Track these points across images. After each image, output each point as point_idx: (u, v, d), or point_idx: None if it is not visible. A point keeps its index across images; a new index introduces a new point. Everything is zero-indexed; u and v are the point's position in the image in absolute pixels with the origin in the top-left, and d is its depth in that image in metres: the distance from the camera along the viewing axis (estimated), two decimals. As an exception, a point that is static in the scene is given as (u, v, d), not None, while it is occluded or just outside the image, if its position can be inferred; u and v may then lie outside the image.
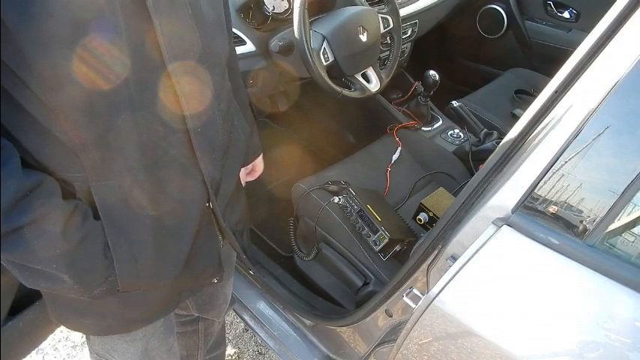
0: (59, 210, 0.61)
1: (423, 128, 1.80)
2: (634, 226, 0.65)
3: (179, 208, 0.73)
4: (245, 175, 1.10)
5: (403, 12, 1.69)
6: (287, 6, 1.34)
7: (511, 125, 0.77)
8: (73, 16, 0.52)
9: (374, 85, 1.44)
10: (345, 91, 1.33)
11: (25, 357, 1.15)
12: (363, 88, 1.40)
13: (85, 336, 0.96)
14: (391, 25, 1.48)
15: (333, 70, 1.33)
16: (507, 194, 0.74)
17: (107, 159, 0.63)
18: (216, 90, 0.73)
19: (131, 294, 0.75)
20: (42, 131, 0.59)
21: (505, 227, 0.73)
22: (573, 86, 0.70)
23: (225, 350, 1.55)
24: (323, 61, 1.27)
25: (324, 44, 1.27)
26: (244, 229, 0.98)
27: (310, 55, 1.21)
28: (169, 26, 0.61)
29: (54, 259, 0.62)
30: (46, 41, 0.52)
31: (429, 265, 0.87)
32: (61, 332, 1.73)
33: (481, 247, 0.74)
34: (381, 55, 1.59)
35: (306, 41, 1.20)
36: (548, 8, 2.15)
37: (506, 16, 2.22)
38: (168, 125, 0.66)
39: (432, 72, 1.70)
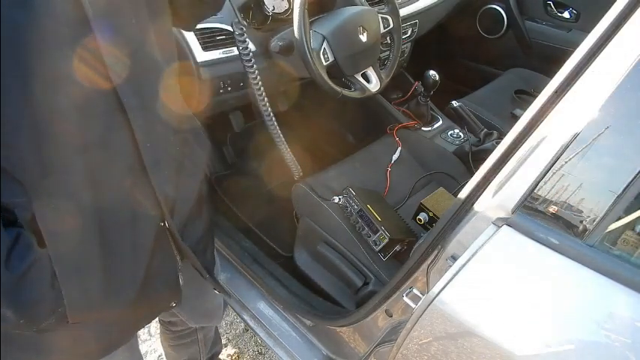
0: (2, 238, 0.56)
1: (423, 128, 1.80)
2: (634, 226, 0.65)
3: (130, 229, 0.69)
4: None
5: (403, 12, 1.69)
6: (287, 6, 1.34)
7: (511, 125, 0.77)
8: (72, 17, 0.53)
9: (374, 85, 1.44)
10: (345, 91, 1.33)
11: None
12: (363, 88, 1.40)
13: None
14: (391, 25, 1.48)
15: (333, 70, 1.33)
16: (507, 194, 0.74)
17: (60, 176, 0.59)
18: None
19: (83, 326, 0.70)
20: None
21: (505, 227, 0.73)
22: (573, 86, 0.70)
23: (221, 346, 1.56)
24: (323, 61, 1.27)
25: (324, 44, 1.27)
26: (207, 246, 0.93)
27: (310, 55, 1.21)
28: (164, 27, 0.61)
29: None
30: (46, 41, 0.52)
31: (429, 265, 0.87)
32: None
33: (481, 247, 0.74)
34: (381, 55, 1.59)
35: (306, 41, 1.20)
36: (548, 8, 2.14)
37: (506, 16, 2.22)
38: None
39: (432, 72, 1.70)
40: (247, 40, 0.83)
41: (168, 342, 1.38)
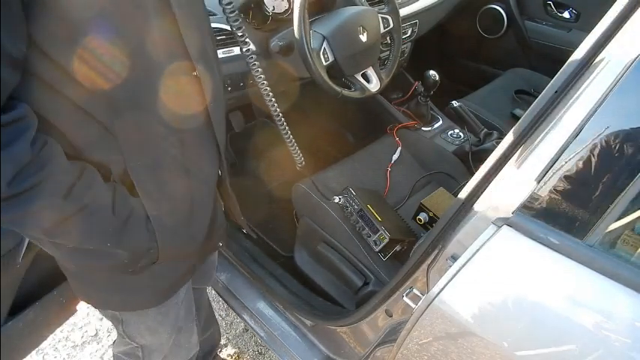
0: (105, 191, 0.67)
1: (423, 128, 1.80)
2: (634, 226, 0.65)
3: (205, 176, 0.81)
4: None
5: (403, 12, 1.70)
6: (287, 6, 1.34)
7: (511, 125, 0.77)
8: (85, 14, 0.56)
9: (374, 85, 1.44)
10: (345, 91, 1.33)
11: (25, 357, 1.15)
12: (363, 88, 1.40)
13: (112, 323, 1.02)
14: (391, 25, 1.48)
15: (333, 70, 1.33)
16: (507, 194, 0.74)
17: (143, 140, 0.68)
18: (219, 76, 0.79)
19: (160, 266, 0.81)
20: (78, 113, 0.62)
21: (505, 227, 0.73)
22: (573, 86, 0.70)
23: (217, 330, 1.55)
24: (323, 61, 1.27)
25: (324, 44, 1.27)
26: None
27: (310, 55, 1.21)
28: (189, 22, 0.66)
29: (107, 236, 0.68)
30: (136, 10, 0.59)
31: (429, 265, 0.87)
32: (61, 332, 1.73)
33: (481, 247, 0.74)
34: (381, 55, 1.59)
35: (306, 41, 1.20)
36: (548, 8, 2.15)
37: (506, 16, 2.22)
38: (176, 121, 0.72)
39: (432, 72, 1.70)
40: (248, 39, 0.88)
41: None
